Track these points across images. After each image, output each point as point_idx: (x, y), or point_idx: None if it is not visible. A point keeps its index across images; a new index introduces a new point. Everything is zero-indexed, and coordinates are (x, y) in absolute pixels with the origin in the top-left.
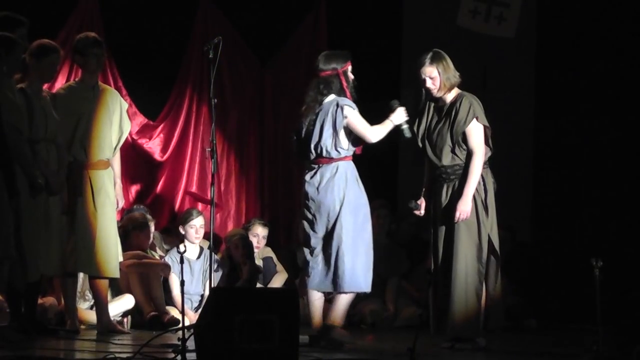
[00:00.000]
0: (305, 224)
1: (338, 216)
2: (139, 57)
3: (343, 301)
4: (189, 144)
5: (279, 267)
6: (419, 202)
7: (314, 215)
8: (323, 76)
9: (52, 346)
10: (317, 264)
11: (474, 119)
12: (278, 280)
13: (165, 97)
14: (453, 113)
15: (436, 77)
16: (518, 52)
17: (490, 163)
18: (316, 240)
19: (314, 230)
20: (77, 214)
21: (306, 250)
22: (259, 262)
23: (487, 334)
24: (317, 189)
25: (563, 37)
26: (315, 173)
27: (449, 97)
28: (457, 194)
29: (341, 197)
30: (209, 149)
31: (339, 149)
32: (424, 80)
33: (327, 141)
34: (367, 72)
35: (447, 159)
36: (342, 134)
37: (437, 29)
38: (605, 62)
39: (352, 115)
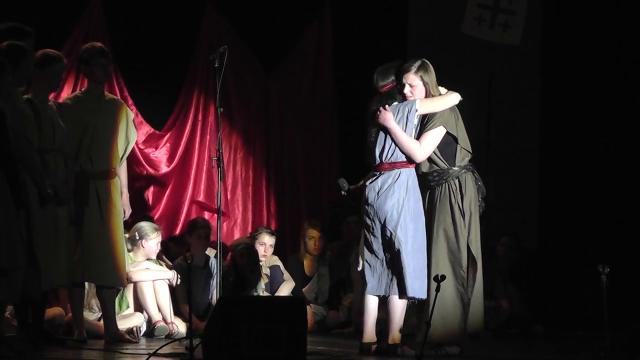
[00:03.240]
0: (364, 230)
1: (398, 222)
2: (144, 67)
3: (397, 315)
4: (195, 153)
5: (286, 275)
6: (351, 187)
7: (372, 221)
8: (385, 90)
9: (59, 356)
10: (374, 269)
11: (441, 126)
12: (285, 289)
13: (171, 106)
14: (425, 120)
15: (416, 86)
16: (523, 58)
17: (471, 167)
18: (377, 245)
19: (374, 235)
20: (84, 224)
21: (367, 255)
22: (266, 270)
23: (474, 339)
24: (377, 193)
25: (568, 44)
26: (377, 179)
27: None
28: (439, 201)
29: (400, 203)
30: (216, 158)
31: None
32: (403, 86)
33: (394, 144)
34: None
35: (425, 166)
36: (412, 132)
37: (443, 36)
38: (610, 67)
39: (422, 103)
